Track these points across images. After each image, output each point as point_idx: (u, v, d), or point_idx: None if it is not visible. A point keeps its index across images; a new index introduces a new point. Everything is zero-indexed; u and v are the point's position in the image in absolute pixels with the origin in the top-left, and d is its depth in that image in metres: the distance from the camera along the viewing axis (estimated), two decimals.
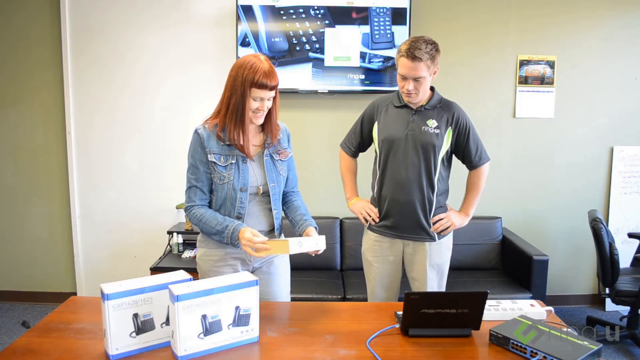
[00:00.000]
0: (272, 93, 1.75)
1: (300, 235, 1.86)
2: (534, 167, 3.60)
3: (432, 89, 2.17)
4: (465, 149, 2.18)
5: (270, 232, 1.91)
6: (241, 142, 1.78)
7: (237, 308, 1.44)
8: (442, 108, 2.15)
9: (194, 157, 1.81)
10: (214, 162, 1.78)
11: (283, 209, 1.98)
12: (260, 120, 1.80)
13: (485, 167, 2.23)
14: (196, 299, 1.36)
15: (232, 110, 1.75)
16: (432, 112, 2.14)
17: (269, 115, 1.82)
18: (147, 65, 3.46)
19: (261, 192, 1.84)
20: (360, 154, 2.38)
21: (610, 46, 3.49)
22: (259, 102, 1.74)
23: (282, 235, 1.98)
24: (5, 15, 3.43)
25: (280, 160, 1.89)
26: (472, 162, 2.21)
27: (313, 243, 1.70)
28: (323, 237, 1.73)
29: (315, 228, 1.87)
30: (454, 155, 2.23)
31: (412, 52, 1.99)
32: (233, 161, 1.79)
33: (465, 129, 2.15)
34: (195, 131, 1.82)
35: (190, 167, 1.82)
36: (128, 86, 3.48)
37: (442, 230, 2.20)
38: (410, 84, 2.04)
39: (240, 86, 1.71)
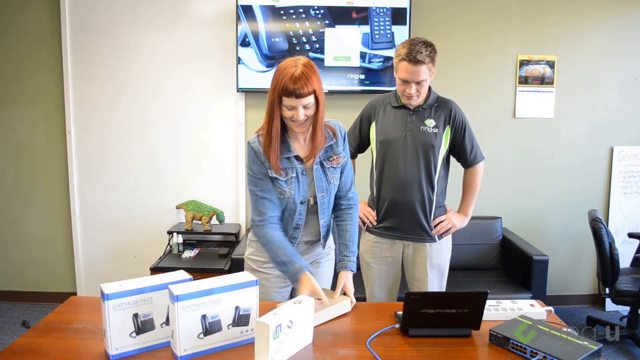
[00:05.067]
0: (305, 101, 1.59)
1: (337, 271, 1.84)
2: (534, 167, 3.60)
3: (428, 88, 2.16)
4: (461, 147, 2.18)
5: (316, 242, 1.88)
6: (270, 155, 1.67)
7: (237, 308, 1.44)
8: (439, 107, 2.15)
9: (254, 170, 1.72)
10: (276, 178, 1.71)
11: (334, 221, 1.92)
12: (301, 129, 1.67)
13: (480, 166, 2.23)
14: (196, 299, 1.36)
15: (268, 119, 1.65)
16: (430, 112, 2.14)
17: (311, 122, 1.67)
18: (147, 66, 3.46)
19: (312, 203, 1.78)
20: (358, 155, 2.38)
21: (610, 46, 3.49)
22: (292, 111, 1.61)
23: (330, 238, 1.94)
24: (5, 16, 3.43)
25: (332, 167, 1.78)
26: (467, 161, 2.21)
27: (340, 309, 1.67)
28: (347, 301, 1.71)
29: (352, 271, 1.82)
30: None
31: (414, 55, 1.96)
32: (293, 174, 1.72)
33: (461, 126, 2.15)
34: (249, 145, 1.72)
35: (251, 179, 1.73)
36: (128, 86, 3.48)
37: (444, 232, 2.20)
38: (413, 88, 2.03)
39: (272, 93, 1.61)
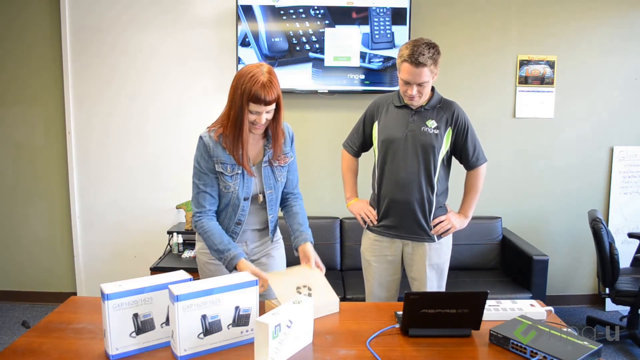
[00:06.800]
0: (270, 107, 1.69)
1: (296, 249, 1.89)
2: (534, 167, 3.60)
3: (432, 88, 2.16)
4: (463, 149, 2.18)
5: (264, 230, 1.93)
6: (239, 156, 1.75)
7: (237, 308, 1.44)
8: (442, 108, 2.15)
9: (201, 164, 1.79)
10: (221, 172, 1.77)
11: (282, 212, 1.99)
12: (260, 132, 1.78)
13: (482, 168, 2.23)
14: (196, 299, 1.36)
15: (231, 122, 1.72)
16: (432, 113, 2.14)
17: (272, 125, 1.78)
18: (147, 65, 3.46)
19: (261, 199, 1.86)
20: (362, 154, 2.38)
21: (610, 46, 3.49)
22: (255, 116, 1.69)
23: (277, 231, 2.01)
24: (5, 15, 3.43)
25: (280, 166, 1.87)
26: (469, 163, 2.21)
27: (328, 308, 1.68)
28: (336, 301, 1.72)
29: (311, 242, 1.88)
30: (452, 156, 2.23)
31: (415, 57, 1.96)
32: (239, 171, 1.79)
33: (464, 128, 2.15)
34: (201, 138, 1.79)
35: (196, 172, 1.80)
36: (128, 86, 3.48)
37: (443, 232, 2.20)
38: (414, 89, 2.03)
39: (239, 99, 1.67)
